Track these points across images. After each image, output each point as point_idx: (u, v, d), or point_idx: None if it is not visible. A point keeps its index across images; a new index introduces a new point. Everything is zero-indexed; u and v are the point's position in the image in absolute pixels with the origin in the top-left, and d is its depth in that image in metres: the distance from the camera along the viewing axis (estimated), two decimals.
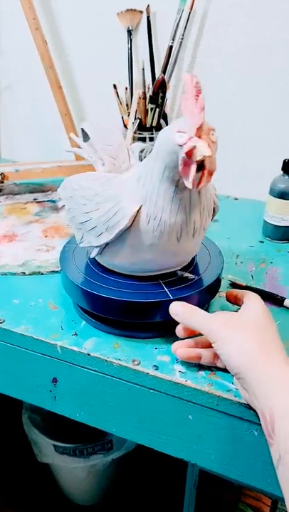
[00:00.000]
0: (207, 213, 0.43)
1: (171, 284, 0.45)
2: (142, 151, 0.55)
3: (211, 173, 0.37)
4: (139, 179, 0.41)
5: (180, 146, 0.35)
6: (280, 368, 0.35)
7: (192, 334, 0.43)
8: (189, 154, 0.35)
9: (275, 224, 0.65)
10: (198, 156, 0.34)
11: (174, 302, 0.42)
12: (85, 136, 0.49)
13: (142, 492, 0.95)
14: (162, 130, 0.39)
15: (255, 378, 0.35)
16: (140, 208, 0.40)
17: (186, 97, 0.35)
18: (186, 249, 0.44)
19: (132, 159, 0.48)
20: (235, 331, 0.38)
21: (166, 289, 0.44)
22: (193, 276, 0.46)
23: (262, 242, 0.66)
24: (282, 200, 0.63)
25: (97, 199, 0.42)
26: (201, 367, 0.42)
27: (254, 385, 0.35)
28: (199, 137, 0.35)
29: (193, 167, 0.35)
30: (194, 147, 0.34)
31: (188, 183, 0.37)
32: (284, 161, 0.63)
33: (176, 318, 0.42)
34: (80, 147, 0.49)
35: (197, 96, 0.34)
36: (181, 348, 0.42)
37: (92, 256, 0.46)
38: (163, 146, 0.37)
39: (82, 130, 0.49)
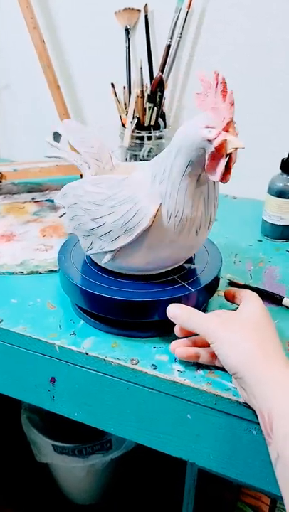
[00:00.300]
0: (217, 204, 0.44)
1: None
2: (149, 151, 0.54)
3: (233, 165, 0.38)
4: (154, 178, 0.40)
5: (209, 141, 0.36)
6: (279, 369, 0.35)
7: (191, 333, 0.43)
8: (220, 148, 0.36)
9: (274, 223, 0.64)
10: (229, 149, 0.36)
11: (171, 304, 0.42)
12: (57, 139, 0.48)
13: (141, 491, 0.95)
14: (184, 127, 0.39)
15: (254, 378, 0.35)
16: (160, 206, 0.40)
17: (206, 93, 0.36)
18: (200, 242, 0.45)
19: (114, 160, 0.47)
20: (233, 331, 0.38)
21: (185, 284, 0.45)
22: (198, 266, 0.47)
23: (260, 241, 0.66)
24: (280, 199, 0.63)
25: (110, 203, 0.41)
26: (199, 366, 0.42)
27: (252, 384, 0.35)
28: (227, 131, 0.36)
29: (223, 160, 0.36)
30: (225, 141, 0.35)
31: (216, 177, 0.37)
32: (282, 159, 0.63)
33: (174, 321, 0.42)
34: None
35: (225, 91, 0.35)
36: (180, 348, 0.42)
37: (104, 262, 0.44)
38: (187, 143, 0.38)
39: (56, 133, 0.48)
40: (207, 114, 0.37)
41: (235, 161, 0.38)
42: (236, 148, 0.36)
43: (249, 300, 0.42)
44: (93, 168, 0.45)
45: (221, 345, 0.37)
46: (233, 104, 0.35)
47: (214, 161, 0.37)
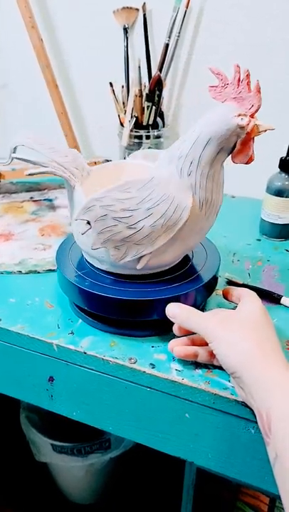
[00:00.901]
0: None
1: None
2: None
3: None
4: (180, 172, 0.41)
5: (242, 127, 0.39)
6: (278, 370, 0.35)
7: (189, 332, 0.43)
8: (250, 133, 0.40)
9: (272, 222, 0.64)
10: (258, 133, 0.40)
11: (170, 304, 0.42)
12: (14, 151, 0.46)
13: (140, 491, 0.95)
14: (212, 119, 0.40)
15: (252, 378, 0.35)
16: (193, 197, 0.41)
17: (223, 85, 0.40)
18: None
19: (86, 166, 0.47)
20: (231, 330, 0.38)
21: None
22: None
23: (259, 240, 0.66)
24: (279, 198, 0.63)
25: (146, 205, 0.41)
26: (197, 365, 0.42)
27: (250, 384, 0.35)
28: (252, 116, 0.39)
29: (252, 143, 0.41)
30: (256, 125, 0.39)
31: (246, 159, 0.41)
32: (281, 158, 0.63)
33: (173, 320, 0.42)
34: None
35: (250, 82, 0.39)
36: (178, 346, 0.41)
37: (140, 267, 0.44)
38: (220, 133, 0.39)
39: (16, 148, 0.45)
40: (231, 104, 0.40)
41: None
42: (265, 131, 0.40)
43: (248, 299, 0.41)
44: (78, 178, 0.45)
45: (220, 345, 0.37)
46: (260, 91, 0.39)
47: (244, 145, 0.41)
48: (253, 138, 0.40)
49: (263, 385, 0.34)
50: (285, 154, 0.62)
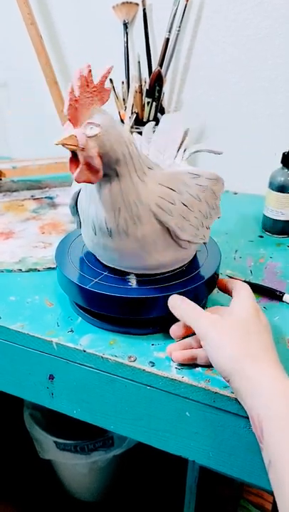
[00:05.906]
0: None
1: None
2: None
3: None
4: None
5: None
6: (266, 372, 0.34)
7: (186, 335, 0.42)
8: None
9: (275, 218, 0.64)
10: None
11: (173, 295, 0.42)
12: None
13: (143, 488, 0.95)
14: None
15: (240, 382, 0.34)
16: None
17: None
18: None
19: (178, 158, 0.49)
20: (220, 333, 0.37)
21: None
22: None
23: (261, 236, 0.65)
24: (281, 194, 0.62)
25: None
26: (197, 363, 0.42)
27: (238, 388, 0.34)
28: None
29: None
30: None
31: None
32: (283, 154, 0.62)
33: (173, 311, 0.41)
34: None
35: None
36: (176, 351, 0.41)
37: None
38: None
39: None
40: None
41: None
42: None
43: (239, 297, 0.41)
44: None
45: (209, 346, 0.37)
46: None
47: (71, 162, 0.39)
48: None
49: (251, 389, 0.33)
50: (287, 149, 0.62)
